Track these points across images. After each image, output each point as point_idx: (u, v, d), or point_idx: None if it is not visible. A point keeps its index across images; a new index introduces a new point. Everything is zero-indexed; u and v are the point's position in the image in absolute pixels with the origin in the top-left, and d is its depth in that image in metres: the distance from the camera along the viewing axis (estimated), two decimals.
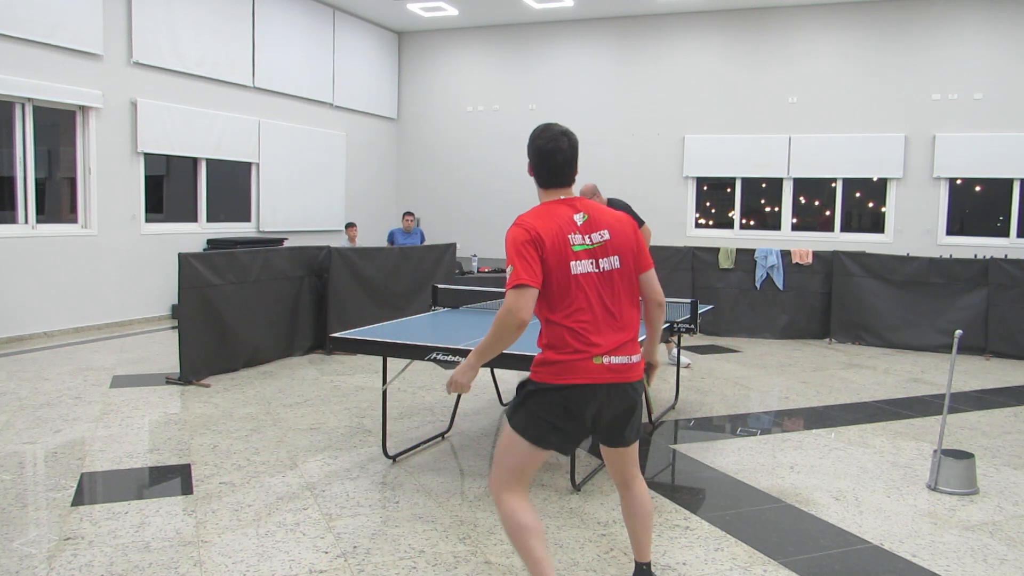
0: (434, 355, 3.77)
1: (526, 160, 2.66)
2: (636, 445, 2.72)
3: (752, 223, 11.71)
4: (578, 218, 2.53)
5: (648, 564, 2.77)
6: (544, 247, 2.44)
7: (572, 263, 2.47)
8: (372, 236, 12.21)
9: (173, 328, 8.17)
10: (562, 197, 2.59)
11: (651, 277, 2.68)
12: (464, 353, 3.70)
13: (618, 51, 12.07)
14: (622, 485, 2.75)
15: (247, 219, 10.58)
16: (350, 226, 10.83)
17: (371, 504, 3.70)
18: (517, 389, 2.58)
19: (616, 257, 2.55)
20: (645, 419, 5.21)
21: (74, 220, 8.39)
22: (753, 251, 8.92)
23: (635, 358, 2.56)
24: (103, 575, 2.94)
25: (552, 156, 2.57)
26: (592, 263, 2.50)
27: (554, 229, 2.47)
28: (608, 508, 3.69)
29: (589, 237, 2.52)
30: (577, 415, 2.48)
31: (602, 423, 2.55)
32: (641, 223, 6.82)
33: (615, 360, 2.49)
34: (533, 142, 2.60)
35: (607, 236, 2.54)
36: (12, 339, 7.58)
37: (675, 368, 6.23)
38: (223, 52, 9.82)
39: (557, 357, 2.46)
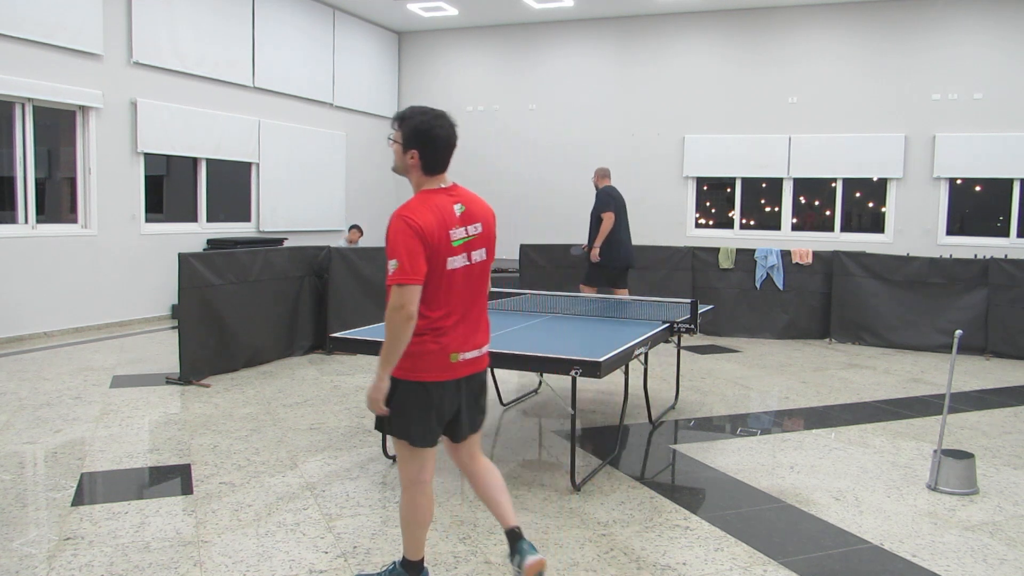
0: None
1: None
2: (479, 435, 2.84)
3: (752, 223, 11.71)
4: (457, 208, 2.60)
5: (518, 528, 2.75)
6: (428, 243, 2.48)
7: (449, 259, 2.54)
8: (372, 236, 12.21)
9: (173, 328, 8.17)
10: (442, 185, 2.64)
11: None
12: None
13: (618, 51, 12.07)
14: (468, 465, 2.81)
15: (247, 219, 10.58)
16: (353, 228, 10.71)
17: (371, 504, 3.70)
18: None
19: (483, 250, 2.66)
20: (644, 419, 5.22)
21: (74, 220, 8.39)
22: (753, 251, 8.92)
23: (485, 349, 2.72)
24: (103, 575, 2.94)
25: (447, 142, 2.61)
26: (466, 256, 2.59)
27: (438, 223, 2.52)
28: (608, 508, 3.69)
29: (466, 229, 2.60)
30: (436, 407, 2.60)
31: (460, 414, 2.68)
32: (608, 209, 7.45)
33: (468, 355, 2.64)
34: (431, 131, 2.58)
35: (480, 229, 2.64)
36: (12, 339, 7.59)
37: (675, 368, 6.23)
38: (223, 52, 9.82)
39: (413, 349, 2.52)
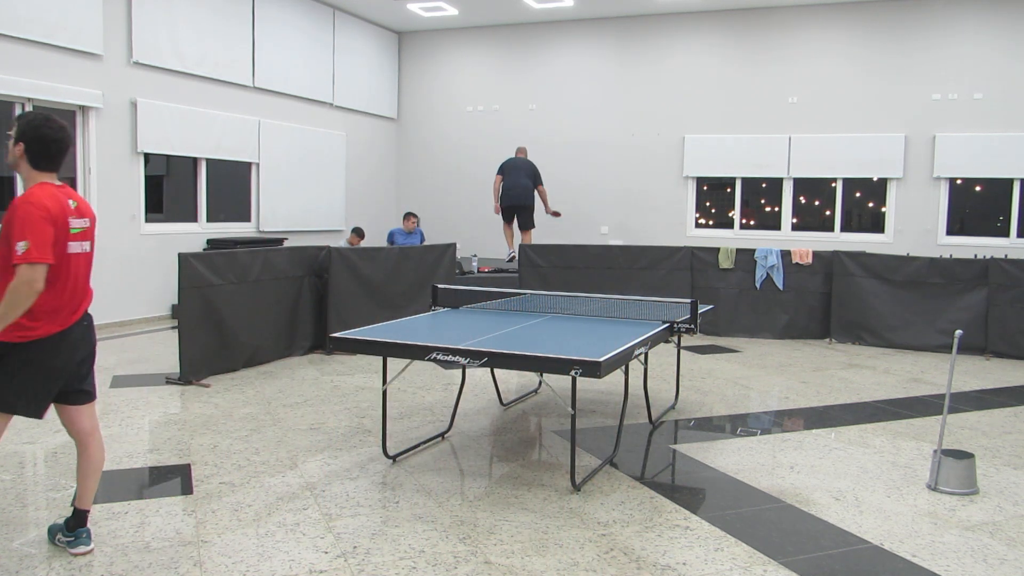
0: (434, 355, 3.77)
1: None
2: (95, 404, 3.20)
3: (752, 223, 11.71)
4: (71, 204, 2.97)
5: (88, 511, 3.14)
6: (56, 228, 2.83)
7: (70, 243, 2.92)
8: (372, 236, 12.21)
9: (173, 328, 8.17)
10: (56, 183, 2.98)
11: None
12: (464, 353, 3.71)
13: (618, 51, 12.07)
14: (83, 441, 3.14)
15: (247, 219, 10.58)
16: (354, 233, 10.66)
17: (371, 504, 3.70)
18: None
19: (89, 243, 3.06)
20: (644, 419, 5.22)
21: None
22: (753, 251, 8.92)
23: (87, 320, 3.09)
24: (103, 575, 2.94)
25: (58, 144, 2.96)
26: (80, 245, 2.99)
27: (61, 212, 2.88)
28: (608, 508, 3.69)
29: (79, 222, 2.98)
30: (53, 363, 2.90)
31: (74, 374, 3.02)
32: (540, 182, 10.52)
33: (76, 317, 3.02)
34: (38, 129, 2.92)
35: (87, 224, 3.04)
36: None
37: (675, 368, 6.22)
38: (223, 52, 9.81)
39: (33, 324, 2.85)
